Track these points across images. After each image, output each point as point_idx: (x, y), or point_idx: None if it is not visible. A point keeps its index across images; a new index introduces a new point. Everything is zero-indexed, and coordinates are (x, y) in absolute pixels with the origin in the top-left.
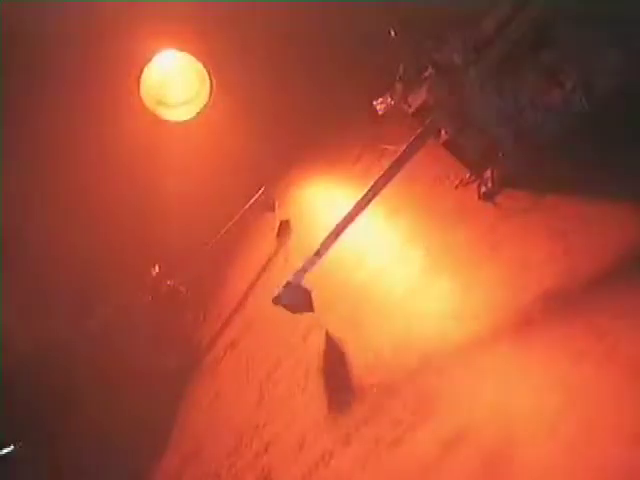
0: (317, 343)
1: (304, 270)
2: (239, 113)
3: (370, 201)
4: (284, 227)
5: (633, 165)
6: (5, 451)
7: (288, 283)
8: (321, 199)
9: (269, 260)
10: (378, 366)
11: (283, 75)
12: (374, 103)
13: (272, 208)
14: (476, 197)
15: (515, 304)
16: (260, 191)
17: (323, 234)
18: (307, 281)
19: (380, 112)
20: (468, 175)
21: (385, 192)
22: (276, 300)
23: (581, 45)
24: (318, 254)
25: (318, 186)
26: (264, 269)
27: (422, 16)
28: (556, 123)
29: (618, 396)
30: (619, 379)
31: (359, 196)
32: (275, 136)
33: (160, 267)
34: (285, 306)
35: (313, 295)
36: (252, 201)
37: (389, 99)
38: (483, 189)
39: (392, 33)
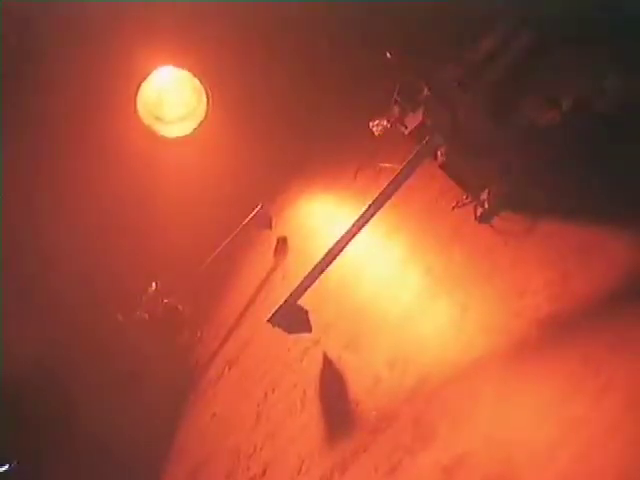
0: (314, 364)
1: (301, 289)
2: (236, 130)
3: (367, 221)
4: (281, 244)
5: (633, 189)
6: (1, 469)
7: (284, 303)
8: (318, 216)
9: (266, 278)
10: (376, 389)
11: (281, 92)
12: (370, 124)
13: (269, 225)
14: (473, 219)
15: (511, 329)
16: (257, 208)
17: (320, 252)
18: (304, 301)
19: (376, 133)
20: (465, 196)
21: (381, 212)
22: (272, 321)
23: (578, 65)
24: (315, 273)
25: (315, 203)
26: (261, 287)
27: (419, 38)
28: (553, 144)
29: (614, 426)
30: (615, 409)
31: (356, 214)
32: (272, 153)
33: (157, 285)
34: (281, 327)
35: (310, 315)
36: (249, 218)
37: (385, 121)
38: (480, 211)
39: (388, 55)
